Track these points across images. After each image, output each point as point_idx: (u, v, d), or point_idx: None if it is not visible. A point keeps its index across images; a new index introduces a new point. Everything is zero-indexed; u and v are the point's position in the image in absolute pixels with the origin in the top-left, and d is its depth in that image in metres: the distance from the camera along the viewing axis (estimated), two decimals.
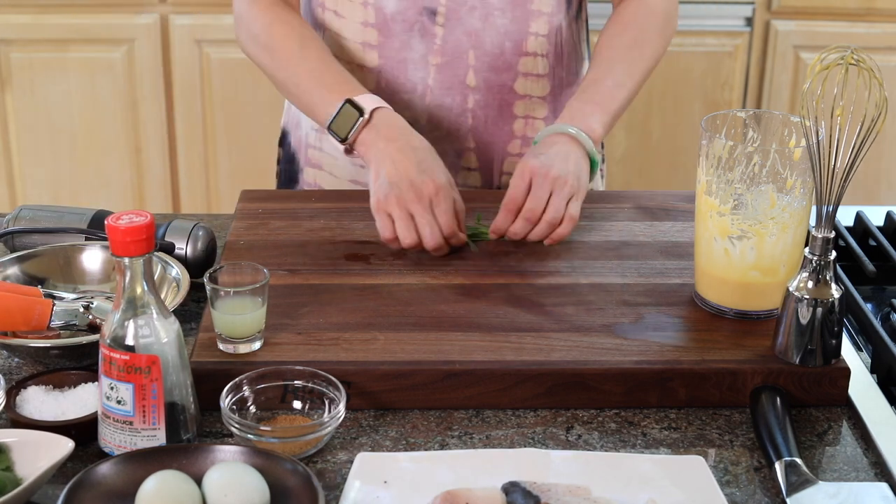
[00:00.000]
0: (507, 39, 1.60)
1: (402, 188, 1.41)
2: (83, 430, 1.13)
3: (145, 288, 1.09)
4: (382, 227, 1.41)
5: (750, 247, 1.28)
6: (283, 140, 1.79)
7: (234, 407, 1.16)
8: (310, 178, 1.73)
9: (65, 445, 1.06)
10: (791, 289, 1.22)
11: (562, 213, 1.43)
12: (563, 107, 1.56)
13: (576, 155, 1.47)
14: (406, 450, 1.15)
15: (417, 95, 1.62)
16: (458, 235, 1.43)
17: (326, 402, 1.17)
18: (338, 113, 1.48)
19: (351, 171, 1.68)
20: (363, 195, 1.64)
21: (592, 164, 1.50)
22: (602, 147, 1.79)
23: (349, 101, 1.48)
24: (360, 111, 1.47)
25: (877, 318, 1.37)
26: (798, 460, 1.10)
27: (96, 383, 1.15)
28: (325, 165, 1.70)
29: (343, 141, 1.49)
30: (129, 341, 1.08)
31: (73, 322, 1.26)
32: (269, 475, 1.04)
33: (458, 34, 1.59)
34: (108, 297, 1.33)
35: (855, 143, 1.14)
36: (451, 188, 1.43)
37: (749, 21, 2.99)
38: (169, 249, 1.40)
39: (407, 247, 1.41)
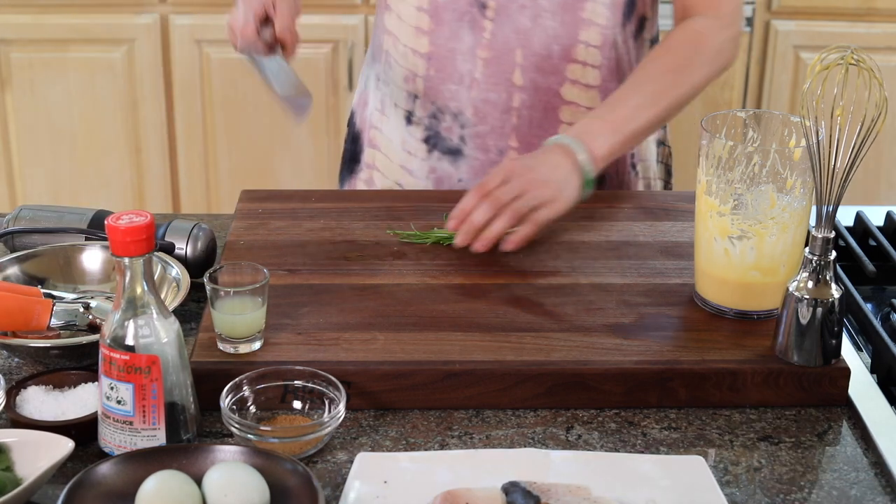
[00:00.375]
0: (556, 43, 1.59)
1: (228, 22, 1.57)
2: (83, 430, 1.13)
3: (145, 288, 1.09)
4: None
5: (750, 247, 1.28)
6: (351, 119, 1.82)
7: (234, 407, 1.16)
8: (368, 159, 1.75)
9: (65, 445, 1.06)
10: (791, 289, 1.22)
11: (527, 210, 1.41)
12: None
13: (566, 169, 1.44)
14: (406, 450, 1.15)
15: (464, 87, 1.62)
16: (249, 39, 1.53)
17: (326, 402, 1.17)
18: None
19: (402, 157, 1.70)
20: (363, 195, 1.65)
21: (587, 183, 1.47)
22: (668, 149, 1.78)
23: None
24: None
25: (877, 318, 1.37)
26: None
27: (96, 383, 1.15)
28: (382, 147, 1.72)
29: None
30: (129, 341, 1.08)
31: (73, 322, 1.26)
32: (269, 475, 1.04)
33: (507, 31, 1.59)
34: (108, 297, 1.33)
35: (855, 143, 1.14)
36: (258, 3, 1.52)
37: (749, 21, 2.99)
38: (169, 249, 1.40)
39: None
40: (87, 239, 1.43)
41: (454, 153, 1.66)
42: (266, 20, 1.53)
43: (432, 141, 1.67)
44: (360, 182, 1.77)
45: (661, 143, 1.76)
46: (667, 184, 1.78)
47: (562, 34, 1.59)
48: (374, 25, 1.74)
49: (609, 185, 1.68)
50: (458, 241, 1.42)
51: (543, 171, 1.43)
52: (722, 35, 1.58)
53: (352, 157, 1.79)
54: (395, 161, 1.71)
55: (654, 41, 1.68)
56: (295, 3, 1.55)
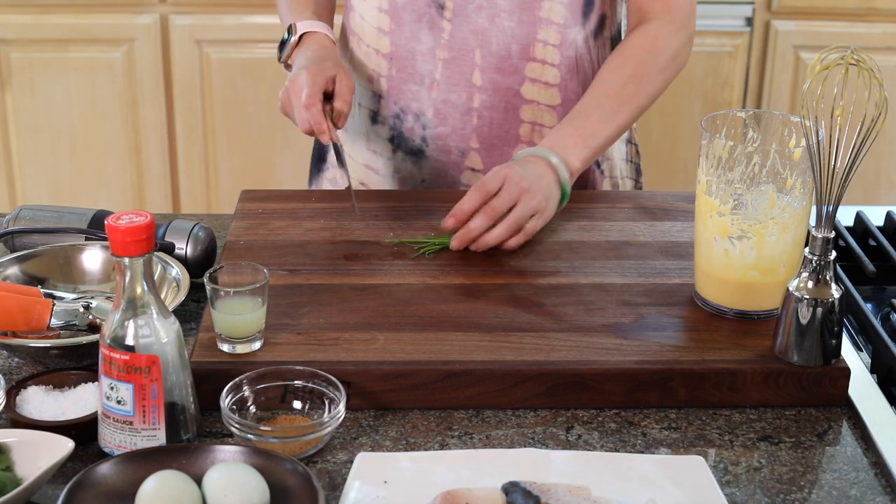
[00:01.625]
0: (514, 42, 1.60)
1: (284, 88, 1.54)
2: (83, 430, 1.13)
3: (145, 288, 1.09)
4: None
5: (750, 247, 1.28)
6: None
7: (234, 407, 1.16)
8: (333, 158, 1.76)
9: (65, 445, 1.06)
10: (791, 289, 1.22)
11: (524, 222, 1.43)
12: None
13: (549, 179, 1.46)
14: (406, 450, 1.15)
15: (425, 87, 1.63)
16: (311, 109, 1.48)
17: (326, 402, 1.17)
18: (282, 36, 1.63)
19: (367, 156, 1.72)
20: (363, 195, 1.65)
21: (564, 196, 1.49)
22: (636, 147, 1.79)
23: (290, 26, 1.62)
24: (292, 33, 1.61)
25: (877, 318, 1.37)
26: None
27: (96, 383, 1.15)
28: (347, 146, 1.73)
29: (280, 61, 1.63)
30: (129, 341, 1.08)
31: (73, 322, 1.26)
32: (269, 475, 1.04)
33: (465, 31, 1.59)
34: (108, 297, 1.33)
35: (855, 143, 1.14)
36: (319, 73, 1.50)
37: (749, 21, 2.99)
38: (169, 249, 1.40)
39: (304, 131, 1.52)
40: (87, 239, 1.43)
41: (416, 154, 1.67)
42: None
43: (396, 140, 1.68)
44: (325, 181, 1.78)
45: (629, 141, 1.77)
46: (636, 182, 1.78)
47: (519, 33, 1.59)
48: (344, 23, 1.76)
49: (574, 186, 1.67)
50: (455, 245, 1.44)
51: (533, 180, 1.44)
52: (677, 40, 1.60)
53: (318, 157, 1.80)
54: (360, 160, 1.72)
55: (616, 39, 1.69)
56: (350, 77, 1.55)
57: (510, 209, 1.43)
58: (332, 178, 1.76)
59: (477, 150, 1.65)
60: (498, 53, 1.60)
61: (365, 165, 1.72)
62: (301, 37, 1.60)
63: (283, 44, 1.62)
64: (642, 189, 1.80)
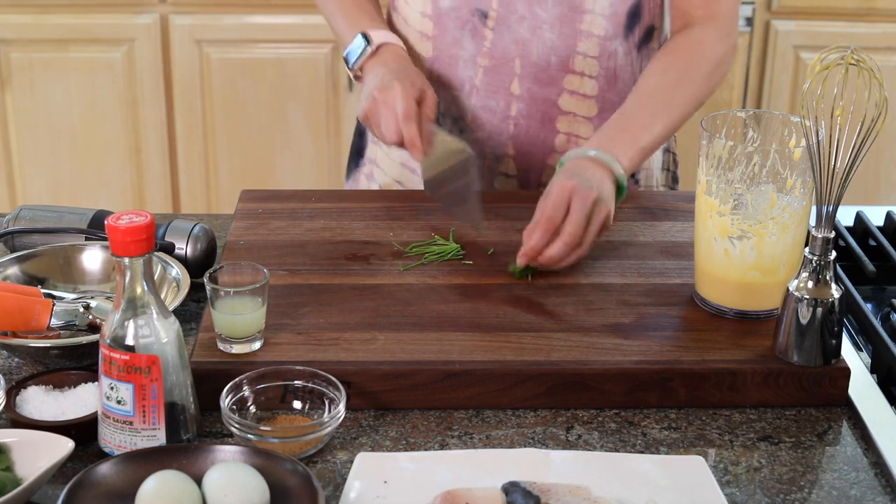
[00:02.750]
0: (554, 54, 1.59)
1: (371, 97, 1.51)
2: (83, 430, 1.13)
3: (145, 288, 1.09)
4: (373, 133, 1.55)
5: (750, 247, 1.28)
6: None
7: (234, 407, 1.16)
8: (371, 154, 1.77)
9: (65, 445, 1.06)
10: (791, 289, 1.22)
11: (595, 238, 1.39)
12: None
13: (609, 181, 1.42)
14: (406, 450, 1.15)
15: (464, 93, 1.64)
16: (409, 123, 1.47)
17: (326, 402, 1.17)
18: (353, 44, 1.61)
19: (404, 155, 1.70)
20: (363, 195, 1.65)
21: (620, 191, 1.44)
22: (674, 156, 1.77)
23: (363, 34, 1.60)
24: (369, 42, 1.59)
25: (877, 318, 1.37)
26: None
27: (96, 383, 1.15)
28: (384, 145, 1.72)
29: (351, 68, 1.61)
30: (129, 341, 1.08)
31: (73, 322, 1.26)
32: (269, 475, 1.04)
33: (507, 41, 1.59)
34: (108, 297, 1.33)
35: (855, 143, 1.14)
36: (411, 85, 1.50)
37: (749, 21, 2.99)
38: (169, 249, 1.40)
39: (390, 142, 1.51)
40: (87, 239, 1.43)
41: None
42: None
43: None
44: (362, 176, 1.78)
45: (667, 150, 1.76)
46: (672, 191, 1.77)
47: (560, 46, 1.59)
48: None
49: None
50: (522, 262, 1.38)
51: (598, 189, 1.39)
52: (721, 46, 1.58)
53: (357, 151, 1.80)
54: (397, 159, 1.71)
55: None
56: (433, 91, 1.54)
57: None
58: (369, 174, 1.76)
59: (512, 157, 1.65)
60: (537, 64, 1.60)
61: (402, 164, 1.71)
62: (378, 47, 1.59)
63: (350, 51, 1.60)
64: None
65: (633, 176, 1.70)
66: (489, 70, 1.61)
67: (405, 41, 1.66)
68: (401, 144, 1.49)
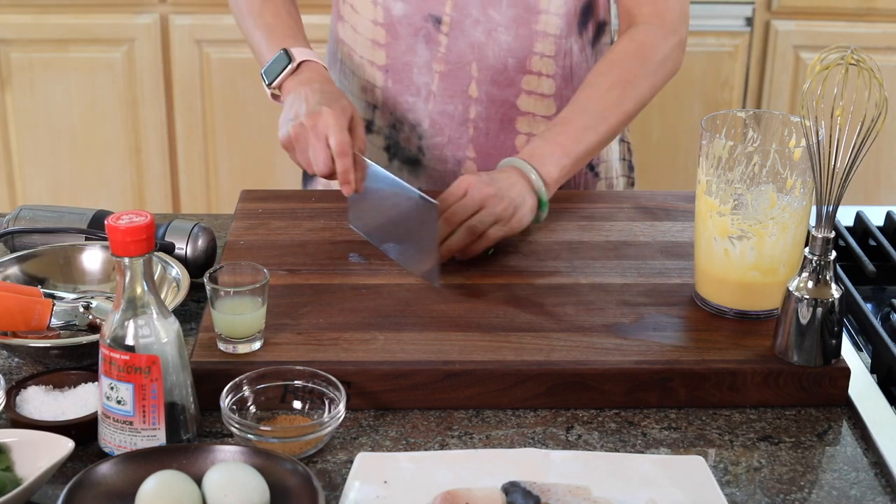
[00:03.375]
0: (511, 56, 1.59)
1: (298, 122, 1.42)
2: (83, 430, 1.13)
3: (145, 288, 1.09)
4: (296, 162, 1.46)
5: (750, 247, 1.28)
6: None
7: (234, 407, 1.16)
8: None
9: (65, 445, 1.06)
10: (791, 289, 1.22)
11: (484, 227, 1.39)
12: None
13: (521, 188, 1.42)
14: (406, 450, 1.15)
15: (421, 99, 1.63)
16: (345, 157, 1.38)
17: (326, 402, 1.17)
18: (273, 60, 1.54)
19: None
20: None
21: (541, 205, 1.45)
22: (628, 145, 1.78)
23: (284, 51, 1.53)
24: (290, 59, 1.52)
25: (877, 318, 1.37)
26: None
27: (96, 383, 1.15)
28: None
29: (269, 85, 1.54)
30: (129, 341, 1.08)
31: (73, 322, 1.26)
32: (269, 475, 1.04)
33: (462, 45, 1.59)
34: (108, 297, 1.33)
35: (855, 143, 1.14)
36: (342, 113, 1.41)
37: (749, 21, 2.99)
38: (169, 249, 1.40)
39: (319, 174, 1.41)
40: (87, 239, 1.43)
41: (413, 163, 1.67)
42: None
43: (392, 150, 1.68)
44: (319, 184, 1.75)
45: (622, 140, 1.76)
46: (629, 178, 1.77)
47: (516, 47, 1.59)
48: (329, 35, 1.72)
49: (567, 188, 1.65)
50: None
51: (500, 187, 1.41)
52: (667, 44, 1.56)
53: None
54: None
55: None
56: (358, 114, 1.48)
57: (472, 215, 1.39)
58: (326, 183, 1.74)
59: (473, 160, 1.65)
60: (494, 66, 1.60)
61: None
62: (299, 65, 1.52)
63: (269, 69, 1.54)
64: (635, 185, 1.79)
65: (592, 168, 1.70)
66: (445, 75, 1.61)
67: (354, 51, 1.64)
68: (330, 176, 1.40)
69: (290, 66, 1.52)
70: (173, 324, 1.11)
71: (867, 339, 1.35)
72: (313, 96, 1.44)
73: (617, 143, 1.75)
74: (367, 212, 1.47)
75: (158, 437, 1.10)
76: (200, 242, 1.42)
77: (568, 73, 1.62)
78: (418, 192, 1.36)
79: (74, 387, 1.19)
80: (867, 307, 1.38)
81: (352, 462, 1.12)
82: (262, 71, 1.55)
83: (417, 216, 1.36)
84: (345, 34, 1.67)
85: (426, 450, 1.15)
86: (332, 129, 1.39)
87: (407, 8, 1.59)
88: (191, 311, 1.37)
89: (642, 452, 1.16)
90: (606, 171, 1.73)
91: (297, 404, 1.19)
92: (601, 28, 1.64)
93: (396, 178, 1.40)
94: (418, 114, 1.64)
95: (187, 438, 1.13)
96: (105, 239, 1.39)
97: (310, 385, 1.18)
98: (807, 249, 1.21)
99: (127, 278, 1.08)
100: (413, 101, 1.63)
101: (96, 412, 1.13)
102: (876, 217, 1.63)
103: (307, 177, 1.80)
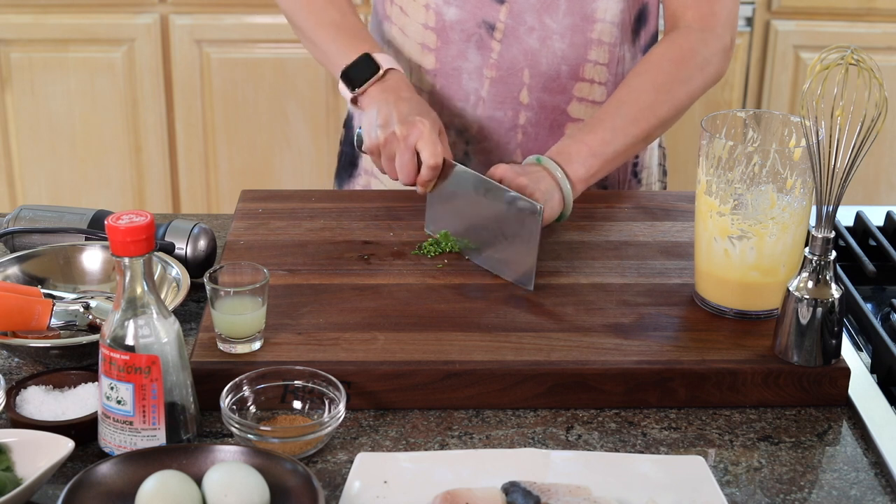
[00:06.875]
0: (564, 63, 1.58)
1: (390, 130, 1.44)
2: (83, 430, 1.13)
3: (145, 288, 1.09)
4: (380, 167, 1.48)
5: (750, 247, 1.28)
6: (348, 122, 1.80)
7: (234, 407, 1.16)
8: (367, 164, 1.73)
9: (65, 445, 1.06)
10: (791, 289, 1.22)
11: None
12: None
13: (549, 184, 1.43)
14: (406, 450, 1.15)
15: (470, 105, 1.62)
16: (436, 170, 1.42)
17: (326, 402, 1.17)
18: (355, 63, 1.53)
19: None
20: (363, 195, 1.65)
21: (565, 205, 1.45)
22: (664, 151, 1.77)
23: (368, 56, 1.53)
24: (377, 67, 1.52)
25: (877, 318, 1.37)
26: None
27: (96, 383, 1.15)
28: None
29: (353, 89, 1.53)
30: (129, 341, 1.09)
31: (73, 322, 1.26)
32: (269, 475, 1.04)
33: (515, 52, 1.58)
34: (108, 297, 1.33)
35: (855, 143, 1.14)
36: (433, 125, 1.44)
37: (749, 21, 2.99)
38: (169, 249, 1.41)
39: (402, 182, 1.45)
40: (87, 239, 1.43)
41: None
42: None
43: None
44: (357, 187, 1.75)
45: (660, 145, 1.76)
46: (663, 184, 1.78)
47: (570, 55, 1.58)
48: (370, 30, 1.72)
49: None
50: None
51: (531, 179, 1.41)
52: (707, 49, 1.54)
53: (350, 162, 1.77)
54: None
55: None
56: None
57: None
58: (364, 185, 1.74)
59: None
60: (547, 73, 1.59)
61: None
62: (385, 72, 1.52)
63: (350, 67, 1.53)
64: (666, 189, 1.79)
65: (636, 175, 1.70)
66: (496, 81, 1.60)
67: (401, 52, 1.64)
68: (409, 184, 1.45)
69: (377, 75, 1.51)
70: (173, 324, 1.11)
71: (867, 339, 1.35)
72: (404, 106, 1.46)
73: (656, 147, 1.74)
74: (449, 215, 1.47)
75: (158, 437, 1.10)
76: (200, 242, 1.42)
77: (620, 80, 1.61)
78: (517, 193, 1.37)
79: (74, 387, 1.19)
80: (867, 307, 1.38)
81: (352, 462, 1.12)
82: (344, 73, 1.53)
83: (516, 218, 1.37)
84: (391, 34, 1.65)
85: (426, 450, 1.15)
86: (425, 141, 1.42)
87: (461, 14, 1.57)
88: (191, 311, 1.37)
89: (642, 452, 1.16)
90: (648, 177, 1.73)
91: (297, 404, 1.19)
92: (656, 36, 1.64)
93: (490, 180, 1.41)
94: (466, 119, 1.63)
95: (187, 438, 1.13)
96: (105, 239, 1.39)
97: (310, 385, 1.18)
98: (807, 249, 1.21)
99: (127, 278, 1.08)
100: (462, 106, 1.62)
101: (96, 412, 1.13)
102: (876, 217, 1.63)
103: (343, 176, 1.78)
